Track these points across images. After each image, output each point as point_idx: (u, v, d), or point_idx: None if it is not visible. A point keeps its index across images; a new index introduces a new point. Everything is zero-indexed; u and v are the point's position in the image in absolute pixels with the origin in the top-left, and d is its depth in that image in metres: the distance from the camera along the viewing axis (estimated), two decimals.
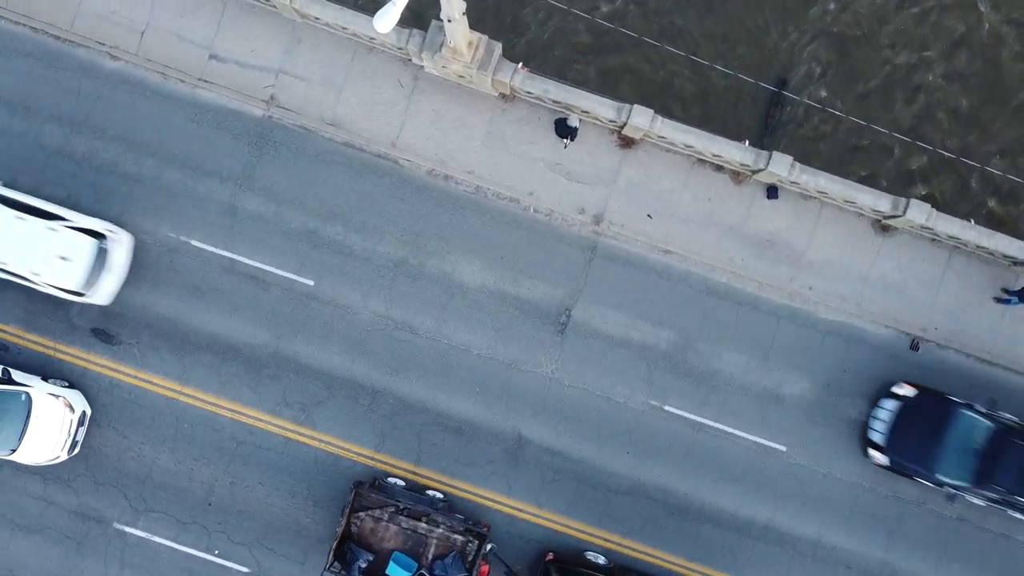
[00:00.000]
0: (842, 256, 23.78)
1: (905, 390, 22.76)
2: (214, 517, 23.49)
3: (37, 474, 23.38)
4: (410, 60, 23.46)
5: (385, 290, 23.70)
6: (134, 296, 23.57)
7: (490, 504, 23.53)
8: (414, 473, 23.47)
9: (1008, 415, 22.82)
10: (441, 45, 21.53)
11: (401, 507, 21.94)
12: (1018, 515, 22.94)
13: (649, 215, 23.71)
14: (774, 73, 26.61)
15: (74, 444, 22.78)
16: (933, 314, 23.82)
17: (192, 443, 23.51)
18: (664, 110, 25.87)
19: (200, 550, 23.44)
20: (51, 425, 22.18)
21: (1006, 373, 23.72)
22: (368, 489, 21.78)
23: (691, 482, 23.69)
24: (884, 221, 23.40)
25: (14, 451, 22.13)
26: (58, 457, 22.61)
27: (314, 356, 23.64)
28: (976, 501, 22.86)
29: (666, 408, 23.69)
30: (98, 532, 23.44)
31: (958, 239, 22.88)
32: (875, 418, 23.00)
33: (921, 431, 22.31)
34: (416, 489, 23.00)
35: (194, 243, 23.70)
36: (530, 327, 23.72)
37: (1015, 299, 23.16)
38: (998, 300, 23.66)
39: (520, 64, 22.39)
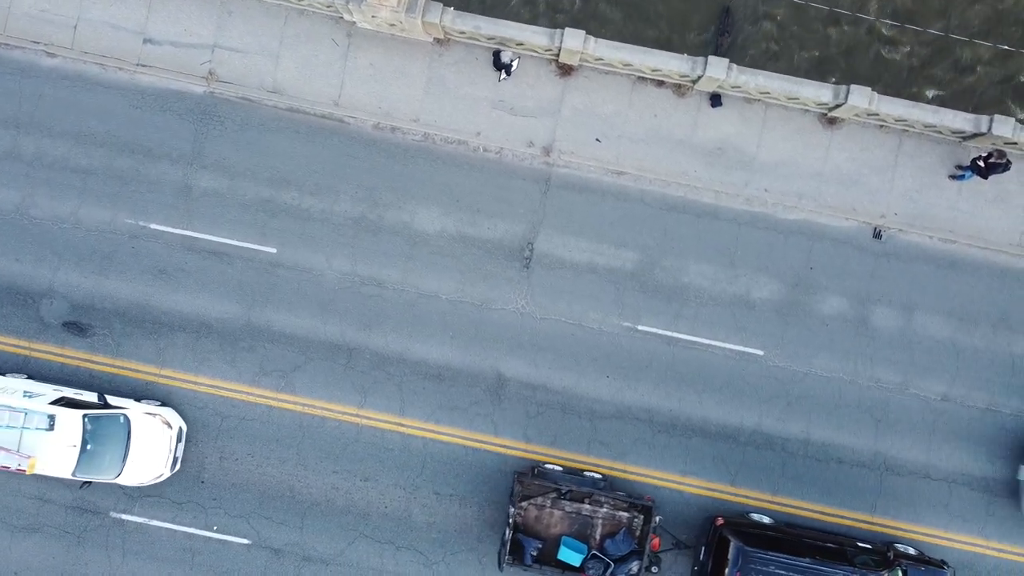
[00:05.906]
0: (794, 155, 23.89)
1: None
2: (208, 494, 23.64)
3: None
4: (341, 18, 23.59)
5: (348, 248, 23.83)
6: (102, 286, 23.72)
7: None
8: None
9: None
10: None
11: (563, 491, 21.85)
12: None
13: (598, 139, 23.82)
14: None
15: (175, 461, 22.82)
16: (891, 200, 23.93)
17: None
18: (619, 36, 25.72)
19: (199, 528, 23.59)
20: (152, 444, 22.21)
21: (970, 249, 23.85)
22: (529, 478, 21.61)
23: (675, 398, 23.81)
24: (830, 114, 23.50)
25: (119, 474, 22.12)
26: (162, 475, 22.63)
27: (286, 322, 23.78)
28: None
29: (640, 328, 23.81)
30: (96, 523, 23.59)
31: (905, 120, 22.97)
32: None
33: None
34: (574, 473, 22.92)
35: (153, 226, 23.85)
36: (495, 265, 23.84)
37: (969, 173, 23.24)
38: (952, 177, 23.75)
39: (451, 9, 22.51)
